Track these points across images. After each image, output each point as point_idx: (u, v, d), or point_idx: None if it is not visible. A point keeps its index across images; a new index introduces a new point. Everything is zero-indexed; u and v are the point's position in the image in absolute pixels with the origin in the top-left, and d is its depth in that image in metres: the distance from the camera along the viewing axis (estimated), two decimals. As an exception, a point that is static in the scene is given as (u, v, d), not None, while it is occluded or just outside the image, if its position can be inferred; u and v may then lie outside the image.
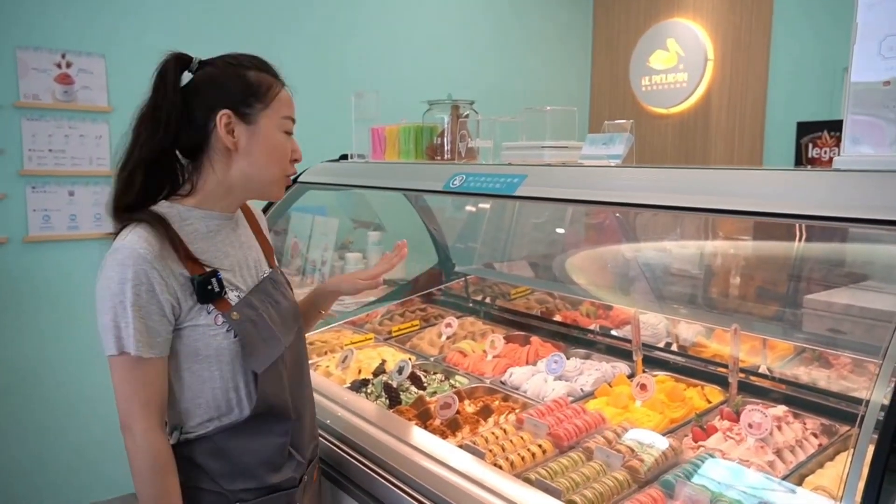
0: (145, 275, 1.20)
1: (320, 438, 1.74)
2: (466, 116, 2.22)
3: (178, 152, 1.33)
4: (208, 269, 1.28)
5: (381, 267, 1.73)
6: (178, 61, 1.31)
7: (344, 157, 2.60)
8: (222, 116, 1.28)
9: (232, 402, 1.31)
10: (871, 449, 0.97)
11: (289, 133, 1.37)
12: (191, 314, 1.26)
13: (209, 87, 1.30)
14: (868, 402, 1.02)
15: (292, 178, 2.62)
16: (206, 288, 1.26)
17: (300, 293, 3.26)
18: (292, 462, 1.39)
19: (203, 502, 1.31)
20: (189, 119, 1.29)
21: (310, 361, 2.28)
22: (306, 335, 1.64)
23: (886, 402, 0.97)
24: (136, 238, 1.21)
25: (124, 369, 1.22)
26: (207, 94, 1.30)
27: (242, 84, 1.31)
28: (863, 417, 1.02)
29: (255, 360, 1.30)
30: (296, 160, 1.40)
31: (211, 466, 1.30)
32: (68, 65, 3.22)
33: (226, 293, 1.30)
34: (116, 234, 1.27)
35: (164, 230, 1.25)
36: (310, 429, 1.50)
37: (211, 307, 1.27)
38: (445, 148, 2.24)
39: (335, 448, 1.71)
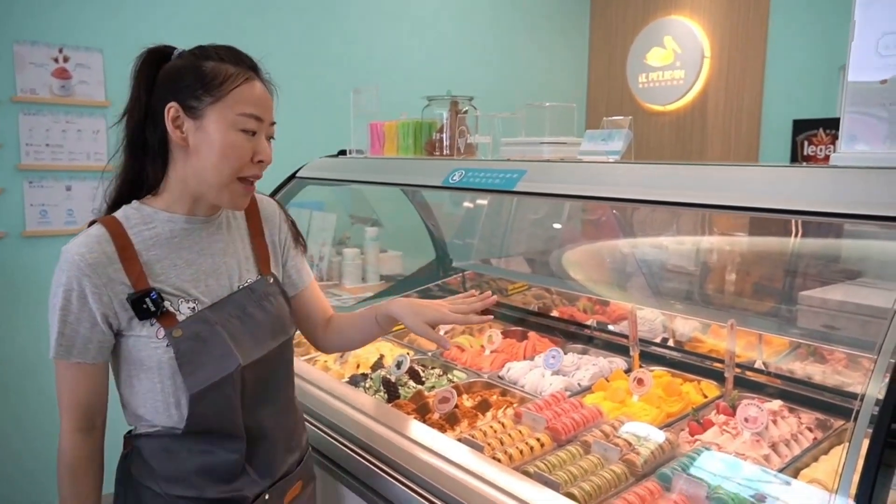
0: (77, 282, 1.18)
1: (320, 433, 1.76)
2: (465, 112, 2.23)
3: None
4: (162, 284, 1.23)
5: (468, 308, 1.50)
6: (154, 54, 1.26)
7: (342, 152, 2.60)
8: (169, 109, 1.21)
9: (174, 416, 1.26)
10: (865, 443, 0.99)
11: (248, 131, 1.23)
12: (132, 324, 1.22)
13: (165, 79, 1.24)
14: (863, 396, 1.03)
15: (293, 173, 2.64)
16: (141, 307, 1.20)
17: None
18: (245, 479, 1.31)
19: (145, 497, 1.30)
20: (151, 115, 1.24)
21: (308, 356, 2.30)
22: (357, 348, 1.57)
23: (881, 396, 0.99)
24: (79, 243, 1.20)
25: (56, 371, 1.24)
26: (163, 86, 1.23)
27: (195, 75, 1.21)
28: (858, 412, 1.03)
29: (192, 380, 1.23)
30: (261, 161, 1.26)
31: (155, 465, 1.28)
32: (65, 59, 3.21)
33: (165, 309, 1.22)
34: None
35: (114, 236, 1.21)
36: (283, 448, 1.40)
37: (153, 322, 1.22)
38: (444, 144, 2.25)
39: (334, 442, 1.72)
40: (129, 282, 1.21)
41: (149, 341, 1.23)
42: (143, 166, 1.28)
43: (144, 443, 1.30)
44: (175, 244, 1.27)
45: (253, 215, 1.43)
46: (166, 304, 1.23)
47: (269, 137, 1.30)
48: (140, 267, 1.22)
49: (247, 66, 1.26)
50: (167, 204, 1.28)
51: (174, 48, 1.27)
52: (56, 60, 3.19)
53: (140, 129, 1.26)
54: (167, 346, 1.22)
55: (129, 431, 1.35)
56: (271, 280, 1.40)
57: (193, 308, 1.26)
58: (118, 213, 1.26)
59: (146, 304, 1.20)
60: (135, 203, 1.27)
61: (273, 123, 1.30)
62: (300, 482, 1.46)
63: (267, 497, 1.35)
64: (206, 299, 1.28)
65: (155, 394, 1.26)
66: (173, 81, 1.23)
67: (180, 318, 1.24)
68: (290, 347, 1.44)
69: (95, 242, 1.20)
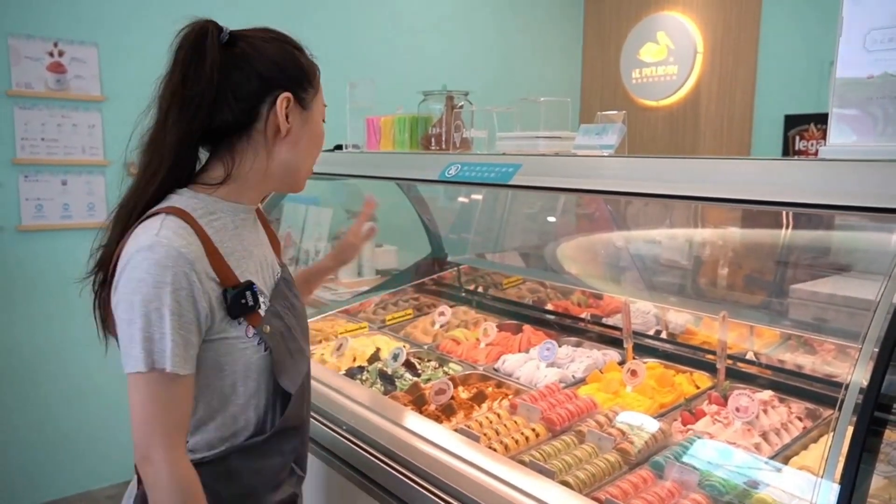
0: (186, 278, 1.04)
1: (319, 425, 1.78)
2: (461, 107, 2.25)
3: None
4: (241, 278, 1.13)
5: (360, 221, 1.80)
6: (216, 28, 1.13)
7: (339, 147, 2.61)
8: (284, 99, 1.14)
9: (250, 422, 1.18)
10: (850, 430, 1.01)
11: (324, 121, 1.27)
12: (221, 325, 1.10)
13: (264, 63, 1.14)
14: (847, 385, 1.06)
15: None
16: (240, 302, 1.11)
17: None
18: (293, 478, 1.29)
19: None
20: (233, 97, 1.12)
21: (305, 349, 2.31)
22: None
23: (865, 385, 1.01)
24: (172, 234, 1.05)
25: (151, 388, 1.04)
26: (262, 69, 1.14)
27: (298, 66, 1.18)
28: (843, 400, 1.05)
29: (287, 378, 1.18)
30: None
31: (218, 490, 1.14)
32: (60, 53, 3.21)
33: (260, 305, 1.15)
34: (118, 226, 1.13)
35: (196, 229, 1.09)
36: (307, 443, 1.37)
37: (242, 319, 1.13)
38: (440, 138, 2.26)
39: (332, 433, 1.74)
40: (218, 277, 1.10)
41: (237, 342, 1.12)
42: (194, 153, 1.16)
43: (203, 472, 1.11)
44: (237, 235, 1.18)
45: (259, 209, 1.38)
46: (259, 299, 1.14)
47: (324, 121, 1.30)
48: (223, 260, 1.11)
49: (314, 59, 1.26)
50: (229, 192, 1.17)
51: (222, 26, 1.16)
52: (51, 54, 3.19)
53: (206, 114, 1.11)
54: (258, 344, 1.14)
55: None
56: (286, 267, 1.37)
57: (265, 303, 1.18)
58: (180, 204, 1.11)
59: (245, 300, 1.11)
60: (188, 192, 1.14)
61: None
62: None
63: (303, 487, 1.35)
64: (267, 292, 1.21)
65: (236, 398, 1.15)
66: (277, 69, 1.15)
67: (262, 312, 1.16)
68: None
69: (187, 234, 1.07)
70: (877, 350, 1.00)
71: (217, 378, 1.13)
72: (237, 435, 1.18)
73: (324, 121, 1.26)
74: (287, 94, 1.15)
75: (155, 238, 1.04)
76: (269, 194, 2.13)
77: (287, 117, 1.16)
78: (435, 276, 3.05)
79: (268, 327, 1.15)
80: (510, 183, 1.70)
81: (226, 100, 1.12)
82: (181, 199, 1.13)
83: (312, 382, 1.74)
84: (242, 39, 1.15)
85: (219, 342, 1.11)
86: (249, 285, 1.13)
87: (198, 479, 1.08)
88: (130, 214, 1.12)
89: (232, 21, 1.21)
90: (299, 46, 1.22)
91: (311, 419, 1.78)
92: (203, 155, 1.19)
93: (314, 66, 1.23)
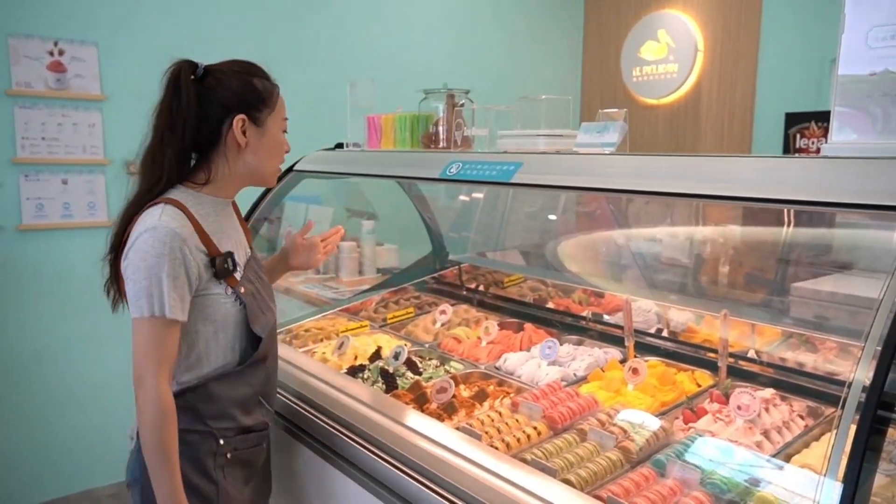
0: (180, 250, 1.41)
1: (320, 422, 1.79)
2: (462, 105, 2.25)
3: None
4: (222, 249, 1.51)
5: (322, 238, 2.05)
6: (190, 66, 1.48)
7: (339, 145, 2.61)
8: (238, 121, 1.49)
9: (227, 358, 1.55)
10: (853, 428, 1.01)
11: (285, 131, 1.61)
12: (207, 284, 1.49)
13: (224, 93, 1.49)
14: (850, 383, 1.06)
15: (290, 166, 2.64)
16: (224, 266, 1.49)
17: (297, 282, 3.28)
18: (262, 409, 1.65)
19: (192, 440, 1.50)
20: (204, 120, 1.48)
21: (306, 348, 2.34)
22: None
23: (867, 383, 1.01)
24: (170, 218, 1.42)
25: (151, 330, 1.40)
26: (223, 99, 1.49)
27: (253, 91, 1.52)
28: (846, 398, 1.05)
29: (258, 325, 1.57)
30: (286, 152, 1.63)
31: (202, 409, 1.52)
32: (60, 53, 3.21)
33: (237, 270, 1.54)
34: (126, 218, 1.50)
35: (187, 214, 1.46)
36: (274, 385, 1.73)
37: (223, 281, 1.51)
38: (441, 136, 2.26)
39: (334, 431, 1.74)
40: (206, 249, 1.48)
41: (218, 298, 1.51)
42: (188, 162, 1.54)
43: (189, 396, 1.51)
44: (217, 221, 1.55)
45: (234, 204, 1.73)
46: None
47: (284, 132, 1.64)
48: (209, 237, 1.49)
49: (272, 79, 1.58)
50: (211, 190, 1.55)
51: (197, 63, 1.50)
52: (51, 54, 3.19)
53: (191, 133, 1.48)
54: (234, 300, 1.53)
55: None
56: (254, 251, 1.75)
57: (240, 271, 1.57)
58: (175, 197, 1.48)
59: (227, 265, 1.50)
60: (181, 188, 1.51)
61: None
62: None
63: (271, 425, 1.71)
64: (241, 265, 1.59)
65: (217, 342, 1.53)
66: (234, 95, 1.50)
67: (238, 277, 1.55)
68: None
69: (181, 217, 1.45)
70: (879, 348, 1.00)
71: (204, 325, 1.51)
72: (219, 368, 1.55)
73: (285, 131, 1.61)
74: (242, 116, 1.50)
75: (157, 221, 1.41)
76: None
77: (245, 133, 1.51)
78: (436, 275, 3.05)
79: (243, 288, 1.55)
80: (511, 181, 1.70)
81: (200, 122, 1.48)
82: (177, 193, 1.50)
83: (312, 380, 1.99)
84: (212, 74, 1.50)
85: (204, 297, 1.49)
86: (230, 254, 1.52)
87: (174, 404, 1.43)
88: (138, 210, 1.49)
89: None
90: (260, 74, 1.56)
91: (311, 417, 1.81)
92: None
93: (270, 90, 1.56)
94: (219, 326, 1.52)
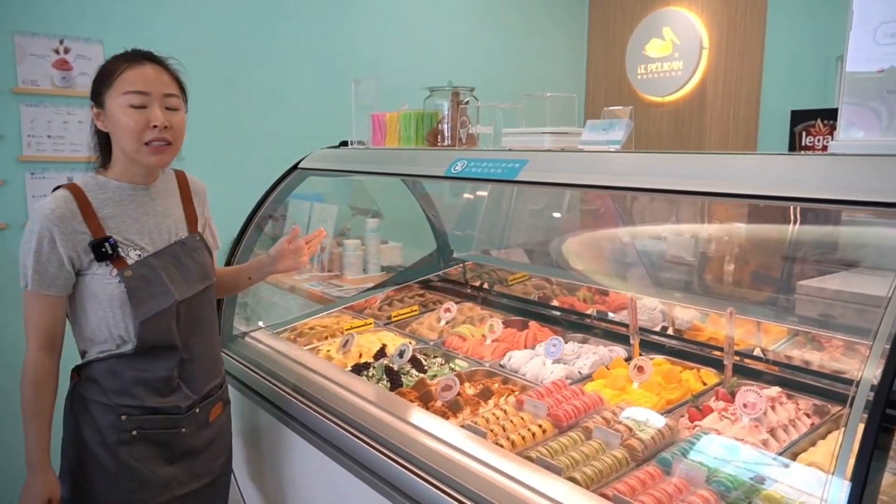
0: (48, 231, 1.52)
1: (325, 420, 1.79)
2: (467, 103, 2.24)
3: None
4: (116, 235, 1.58)
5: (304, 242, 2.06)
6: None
7: (344, 143, 2.61)
8: (91, 107, 1.61)
9: (123, 337, 1.61)
10: (861, 427, 1.01)
11: (136, 106, 1.55)
12: (91, 265, 1.57)
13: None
14: (859, 382, 1.05)
15: (295, 164, 2.65)
16: (100, 250, 1.55)
17: (300, 279, 3.27)
18: (179, 393, 1.67)
19: (95, 410, 1.62)
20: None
21: (310, 346, 2.34)
22: (221, 295, 2.02)
23: (876, 382, 1.01)
24: (52, 201, 1.54)
25: (26, 301, 1.57)
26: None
27: (97, 76, 1.60)
28: (854, 397, 1.05)
29: (139, 309, 1.59)
30: (155, 126, 1.57)
31: (104, 383, 1.61)
32: (66, 50, 3.21)
33: (118, 254, 1.58)
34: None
35: (76, 197, 1.56)
36: (206, 371, 1.75)
37: (108, 263, 1.57)
38: (446, 134, 2.26)
39: (339, 429, 1.74)
40: (90, 231, 1.56)
41: (102, 279, 1.57)
42: (106, 150, 1.67)
43: (93, 367, 1.63)
44: (124, 206, 1.63)
45: (184, 188, 1.80)
46: (119, 250, 1.58)
47: (171, 108, 1.61)
48: (98, 221, 1.57)
49: (137, 56, 1.59)
50: (116, 174, 1.65)
51: None
52: (57, 51, 3.19)
53: (95, 125, 1.65)
54: (119, 282, 1.57)
55: (77, 365, 1.67)
56: (198, 238, 1.78)
57: (140, 255, 1.62)
58: (78, 181, 1.61)
59: (105, 248, 1.56)
60: (91, 174, 1.66)
61: (169, 95, 1.60)
62: (221, 403, 1.83)
63: (197, 410, 1.72)
64: (149, 248, 1.64)
65: (107, 321, 1.60)
66: (92, 86, 1.61)
67: (129, 261, 1.59)
68: (213, 291, 1.81)
69: (62, 201, 1.55)
70: (888, 347, 0.99)
71: (94, 303, 1.59)
72: (119, 346, 1.61)
73: (137, 106, 1.55)
74: (92, 102, 1.61)
75: (43, 204, 1.54)
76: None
77: (99, 117, 1.60)
78: (440, 273, 3.05)
79: (129, 272, 1.58)
80: (517, 179, 1.70)
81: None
82: (83, 178, 1.64)
83: (317, 378, 1.99)
84: None
85: (89, 276, 1.58)
86: (107, 238, 1.57)
87: (52, 374, 1.61)
88: None
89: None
90: (120, 56, 1.60)
91: (316, 414, 1.82)
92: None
93: (112, 68, 1.57)
94: (107, 306, 1.58)
